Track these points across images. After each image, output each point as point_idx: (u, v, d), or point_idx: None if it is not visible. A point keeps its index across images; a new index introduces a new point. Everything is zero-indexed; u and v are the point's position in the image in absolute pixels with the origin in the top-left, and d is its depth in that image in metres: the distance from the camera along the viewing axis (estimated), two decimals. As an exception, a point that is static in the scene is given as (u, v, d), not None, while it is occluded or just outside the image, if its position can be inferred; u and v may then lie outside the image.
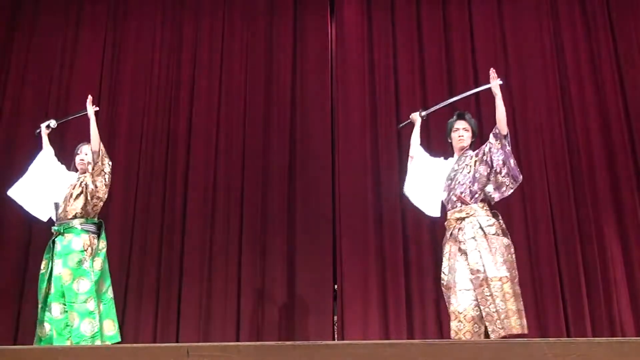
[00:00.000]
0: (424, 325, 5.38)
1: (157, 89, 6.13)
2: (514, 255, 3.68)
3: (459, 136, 3.96)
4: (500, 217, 3.80)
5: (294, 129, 5.98)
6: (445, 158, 4.12)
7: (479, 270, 3.57)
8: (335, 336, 5.33)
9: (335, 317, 5.43)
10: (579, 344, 1.77)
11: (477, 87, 5.88)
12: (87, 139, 4.33)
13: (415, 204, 4.14)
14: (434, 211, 4.06)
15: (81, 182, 4.15)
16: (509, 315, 3.49)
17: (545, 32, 6.10)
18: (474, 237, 3.65)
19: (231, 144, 5.95)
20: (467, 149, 3.96)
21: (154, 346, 1.84)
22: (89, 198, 4.08)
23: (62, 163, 4.42)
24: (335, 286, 5.52)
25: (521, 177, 3.79)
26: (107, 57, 6.22)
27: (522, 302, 3.62)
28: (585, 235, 5.51)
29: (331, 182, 5.82)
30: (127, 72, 6.21)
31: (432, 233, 5.54)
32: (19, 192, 4.25)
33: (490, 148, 3.79)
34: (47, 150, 4.36)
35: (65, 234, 4.01)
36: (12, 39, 6.30)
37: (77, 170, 4.28)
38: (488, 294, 3.53)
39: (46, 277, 3.96)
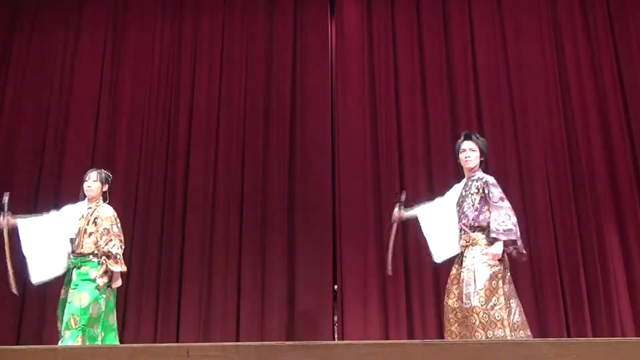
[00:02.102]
0: (424, 325, 5.38)
1: (157, 88, 6.13)
2: (499, 282, 3.71)
3: (466, 157, 4.00)
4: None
5: (294, 128, 5.98)
6: (459, 181, 4.16)
7: (467, 301, 3.69)
8: (335, 336, 5.33)
9: (335, 317, 5.43)
10: (579, 344, 1.77)
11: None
12: (87, 168, 4.38)
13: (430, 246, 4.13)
14: (438, 257, 4.07)
15: (95, 218, 4.14)
16: None
17: (545, 32, 6.10)
18: (470, 268, 3.75)
19: (231, 143, 5.95)
20: (475, 170, 4.01)
21: (154, 346, 1.84)
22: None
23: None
24: (335, 286, 5.52)
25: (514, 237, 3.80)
26: (107, 57, 6.22)
27: (501, 329, 3.63)
28: (586, 236, 5.51)
29: (331, 181, 5.82)
30: (127, 71, 6.21)
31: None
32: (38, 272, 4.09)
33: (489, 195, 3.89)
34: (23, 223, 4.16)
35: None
36: (12, 39, 6.30)
37: (84, 197, 4.24)
38: (473, 321, 3.65)
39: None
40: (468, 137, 4.05)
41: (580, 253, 5.45)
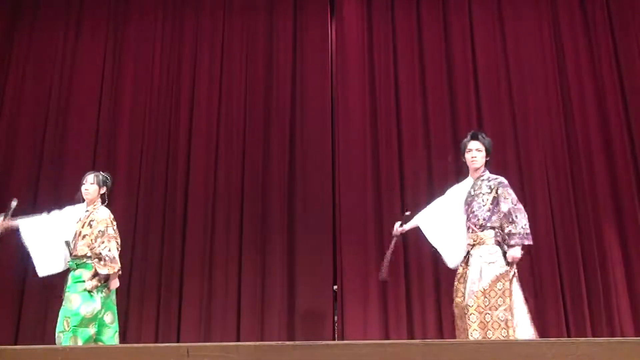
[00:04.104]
0: (424, 324, 5.38)
1: (158, 90, 6.13)
2: (506, 283, 3.71)
3: (472, 157, 4.01)
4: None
5: (294, 129, 5.98)
6: (459, 180, 4.18)
7: (469, 299, 3.74)
8: (336, 336, 5.33)
9: (336, 317, 5.43)
10: (578, 344, 1.77)
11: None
12: (88, 169, 4.39)
13: (441, 253, 4.09)
14: (451, 262, 4.04)
15: (90, 220, 4.14)
16: None
17: (545, 33, 6.10)
18: (476, 267, 3.78)
19: (231, 145, 5.95)
20: (482, 170, 4.02)
21: (154, 346, 1.84)
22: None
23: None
24: (335, 287, 5.52)
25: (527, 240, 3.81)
26: (108, 59, 6.22)
27: (504, 329, 3.63)
28: (586, 237, 5.51)
29: (331, 182, 5.82)
30: (128, 74, 6.20)
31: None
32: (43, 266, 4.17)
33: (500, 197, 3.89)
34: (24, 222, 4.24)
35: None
36: (12, 39, 6.30)
37: (83, 200, 4.25)
38: (473, 320, 3.69)
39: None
40: (474, 137, 4.06)
41: (580, 253, 5.46)
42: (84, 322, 3.90)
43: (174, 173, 5.87)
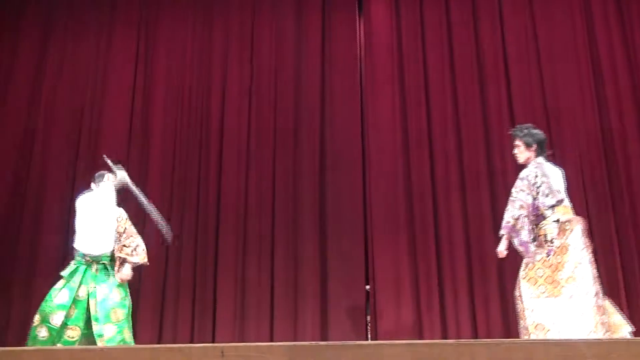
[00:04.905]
0: (458, 324, 5.33)
1: (188, 93, 6.20)
2: (537, 270, 3.71)
3: (513, 154, 4.06)
4: (544, 233, 3.79)
5: (324, 128, 5.99)
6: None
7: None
8: (369, 336, 5.32)
9: (368, 317, 5.42)
10: (618, 343, 1.74)
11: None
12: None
13: None
14: None
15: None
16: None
17: (577, 22, 5.96)
18: None
19: (262, 143, 5.98)
20: (530, 161, 3.95)
21: (188, 346, 1.87)
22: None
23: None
24: (368, 286, 5.51)
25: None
26: (140, 63, 6.32)
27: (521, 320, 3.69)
28: (623, 237, 5.35)
29: (362, 181, 5.81)
30: (159, 78, 6.29)
31: (465, 231, 5.49)
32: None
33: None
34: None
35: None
36: (47, 44, 6.44)
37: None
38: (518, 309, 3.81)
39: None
40: (513, 134, 4.06)
41: (618, 253, 5.31)
42: (129, 314, 4.11)
43: (206, 173, 5.94)
